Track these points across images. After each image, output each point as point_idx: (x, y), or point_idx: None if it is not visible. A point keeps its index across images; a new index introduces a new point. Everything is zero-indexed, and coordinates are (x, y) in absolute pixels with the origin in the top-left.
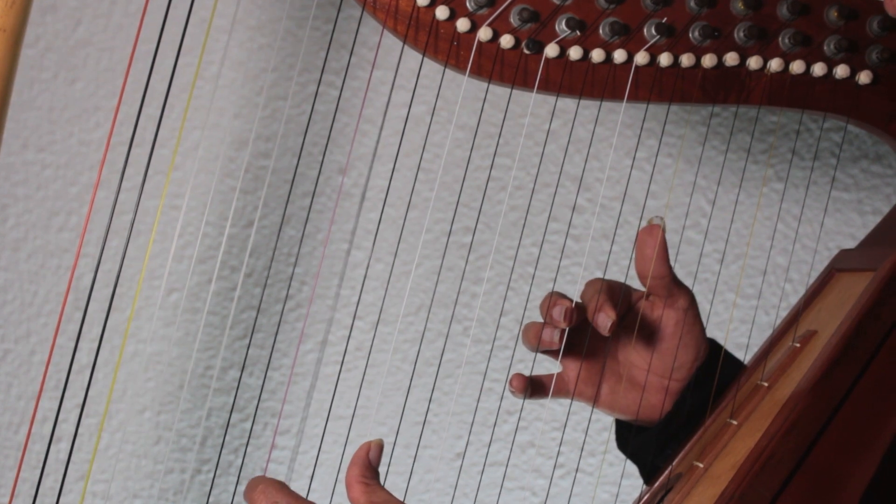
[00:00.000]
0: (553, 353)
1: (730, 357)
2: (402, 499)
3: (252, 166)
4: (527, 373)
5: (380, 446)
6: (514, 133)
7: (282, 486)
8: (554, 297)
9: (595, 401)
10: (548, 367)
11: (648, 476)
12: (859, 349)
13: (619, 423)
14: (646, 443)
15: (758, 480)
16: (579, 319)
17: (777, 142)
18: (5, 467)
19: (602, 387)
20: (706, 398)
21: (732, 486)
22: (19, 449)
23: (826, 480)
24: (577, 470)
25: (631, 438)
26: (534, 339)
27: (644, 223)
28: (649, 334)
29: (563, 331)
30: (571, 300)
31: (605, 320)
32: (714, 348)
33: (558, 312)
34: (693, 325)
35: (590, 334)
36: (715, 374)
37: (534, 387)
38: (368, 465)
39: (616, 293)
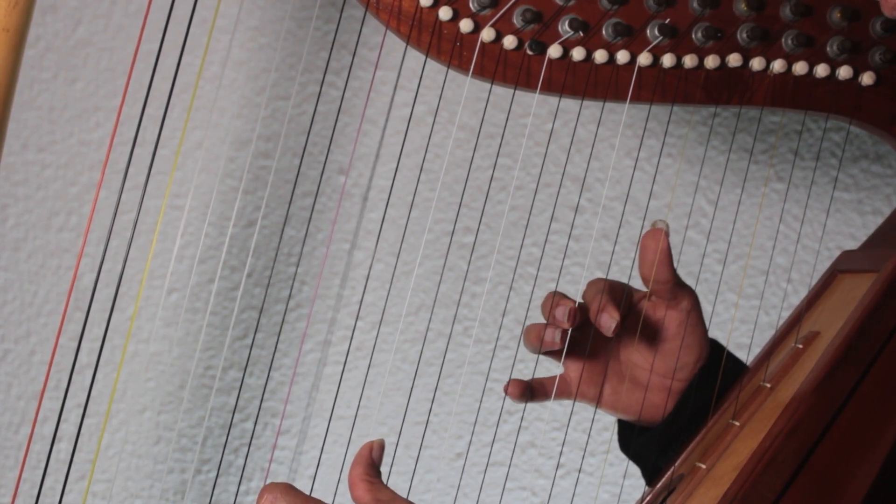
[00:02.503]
0: (555, 354)
1: (732, 358)
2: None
3: (253, 166)
4: (529, 373)
5: (382, 446)
6: (515, 133)
7: (288, 488)
8: (556, 298)
9: (598, 401)
10: (549, 368)
11: (650, 477)
12: (862, 350)
13: (621, 424)
14: (648, 444)
15: (760, 481)
16: (581, 319)
17: (778, 142)
18: (6, 467)
19: (605, 387)
20: (708, 399)
21: (735, 487)
22: (19, 449)
23: (829, 481)
24: (578, 470)
25: (633, 439)
26: (535, 340)
27: (647, 224)
28: (652, 335)
29: (564, 331)
30: (574, 300)
31: (608, 321)
32: (716, 349)
33: (561, 313)
34: (696, 325)
35: (592, 334)
36: (717, 374)
37: (535, 389)
38: (372, 464)
39: (618, 293)
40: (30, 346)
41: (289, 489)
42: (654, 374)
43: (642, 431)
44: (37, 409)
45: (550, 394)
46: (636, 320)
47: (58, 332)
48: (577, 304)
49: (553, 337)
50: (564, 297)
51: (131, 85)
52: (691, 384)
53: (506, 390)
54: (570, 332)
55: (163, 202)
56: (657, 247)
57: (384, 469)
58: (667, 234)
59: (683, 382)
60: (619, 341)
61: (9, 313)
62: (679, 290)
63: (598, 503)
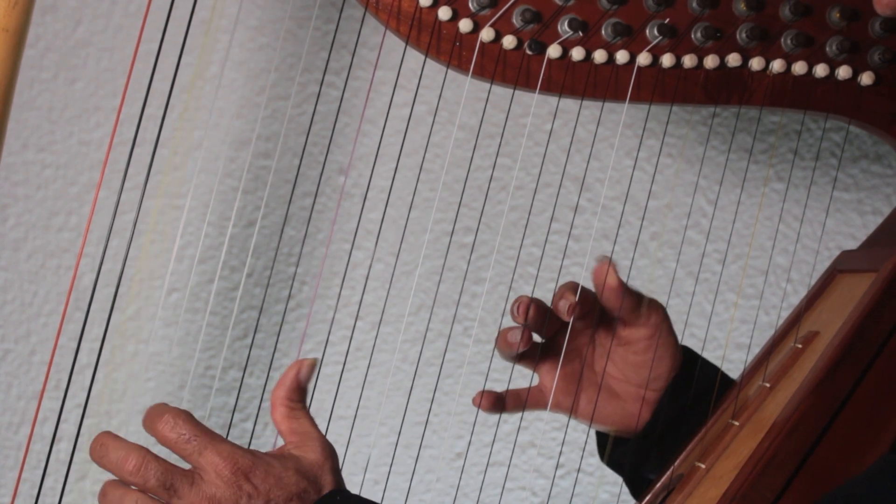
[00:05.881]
0: (529, 362)
1: (706, 364)
2: (404, 500)
3: (253, 166)
4: (528, 374)
5: (312, 366)
6: (515, 133)
7: (189, 418)
8: (517, 298)
9: (573, 411)
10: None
11: (634, 487)
12: (861, 350)
13: (598, 435)
14: (626, 453)
15: (760, 481)
16: (538, 315)
17: (778, 142)
18: (6, 467)
19: (580, 397)
20: (683, 406)
21: (735, 486)
22: (19, 449)
23: (828, 481)
24: (578, 470)
25: (611, 449)
26: (502, 343)
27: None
28: (623, 347)
29: (526, 332)
30: (529, 297)
31: (564, 304)
32: (689, 355)
33: (516, 308)
34: (666, 338)
35: (566, 345)
36: (691, 381)
37: (509, 400)
38: (296, 388)
39: (576, 286)
40: (30, 346)
41: (191, 420)
42: (628, 385)
43: (619, 441)
44: (37, 409)
45: (524, 404)
46: (608, 330)
47: (58, 332)
48: (531, 301)
49: (514, 337)
50: (526, 297)
51: (131, 85)
52: (665, 393)
53: (476, 402)
54: (531, 334)
55: (163, 202)
56: (607, 282)
57: (383, 469)
58: (612, 268)
59: (658, 392)
60: (594, 351)
61: (9, 313)
62: (645, 309)
63: (597, 503)
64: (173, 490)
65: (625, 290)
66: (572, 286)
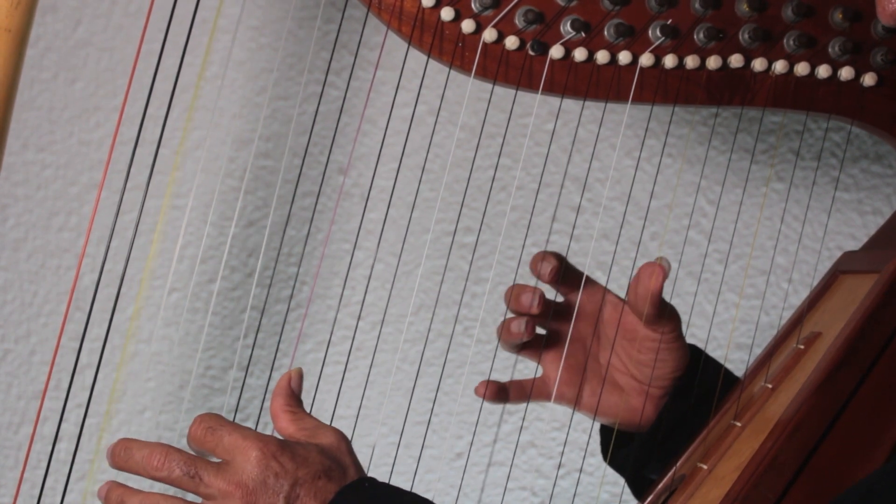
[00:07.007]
0: (532, 353)
1: (710, 362)
2: None
3: (254, 166)
4: (529, 373)
5: (300, 374)
6: (516, 133)
7: (215, 414)
8: (518, 287)
9: (577, 403)
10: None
11: (636, 488)
12: (863, 352)
13: (602, 435)
14: (629, 454)
15: (762, 482)
16: (545, 306)
17: (779, 142)
18: (6, 467)
19: (584, 388)
20: (687, 406)
21: (737, 487)
22: (20, 449)
23: (830, 482)
24: (579, 470)
25: (615, 450)
26: (506, 333)
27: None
28: (629, 342)
29: (530, 321)
30: (537, 287)
31: (545, 266)
32: (695, 354)
33: (527, 299)
34: (673, 343)
35: (570, 336)
36: (694, 382)
37: (512, 391)
38: (292, 394)
39: (562, 259)
40: (30, 347)
41: (220, 417)
42: (631, 379)
43: (623, 441)
44: (38, 409)
45: (528, 395)
46: (613, 322)
47: (59, 333)
48: (541, 292)
49: (519, 327)
50: (527, 286)
51: (132, 85)
52: (670, 394)
53: (479, 392)
54: (535, 324)
55: (164, 202)
56: (649, 285)
57: (385, 469)
58: (665, 275)
59: (662, 389)
60: (598, 343)
61: (9, 313)
62: (662, 319)
63: (598, 503)
64: (199, 478)
65: (656, 302)
66: (558, 257)
